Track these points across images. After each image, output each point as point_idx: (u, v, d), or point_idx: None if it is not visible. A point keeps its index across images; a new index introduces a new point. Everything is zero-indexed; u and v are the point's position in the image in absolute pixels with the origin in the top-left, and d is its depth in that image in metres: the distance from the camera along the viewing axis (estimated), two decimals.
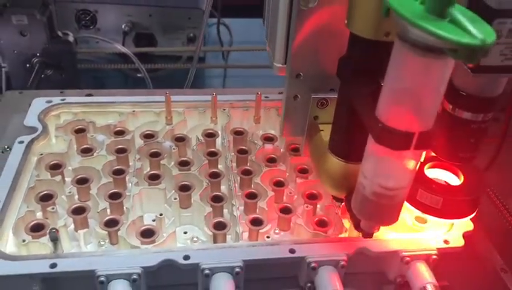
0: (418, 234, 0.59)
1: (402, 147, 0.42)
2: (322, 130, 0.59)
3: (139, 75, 1.24)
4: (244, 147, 0.71)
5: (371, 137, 0.44)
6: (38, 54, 1.08)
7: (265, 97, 0.77)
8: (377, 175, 0.46)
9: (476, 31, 0.33)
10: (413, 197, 0.57)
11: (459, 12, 0.34)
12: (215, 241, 0.59)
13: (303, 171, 0.67)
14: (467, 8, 0.36)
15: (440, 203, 0.56)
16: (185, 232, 0.62)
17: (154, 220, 0.62)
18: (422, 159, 0.59)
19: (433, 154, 0.60)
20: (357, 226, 0.53)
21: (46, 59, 1.08)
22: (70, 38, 1.12)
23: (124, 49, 1.21)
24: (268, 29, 0.64)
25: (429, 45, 0.36)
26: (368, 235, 0.53)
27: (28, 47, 1.06)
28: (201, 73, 1.42)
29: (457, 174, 0.60)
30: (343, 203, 0.58)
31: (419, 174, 0.56)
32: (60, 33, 1.11)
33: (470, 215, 0.58)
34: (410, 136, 0.41)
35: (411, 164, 0.45)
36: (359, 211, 0.51)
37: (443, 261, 0.57)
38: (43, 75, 1.09)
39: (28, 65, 1.09)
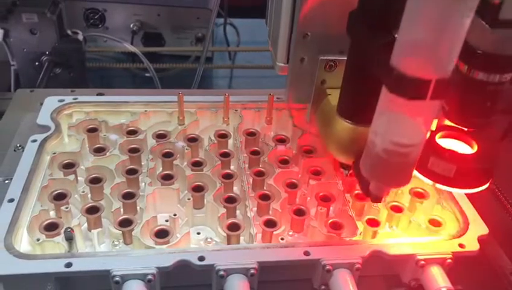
0: (433, 238, 0.59)
1: (418, 96, 0.39)
2: (330, 94, 0.58)
3: (147, 74, 1.23)
4: (256, 148, 0.71)
5: (384, 89, 0.42)
6: (47, 53, 1.08)
7: (277, 98, 0.76)
8: (389, 131, 0.44)
9: None
10: (424, 166, 0.54)
11: None
12: (228, 243, 0.59)
13: (316, 173, 0.67)
14: None
15: (453, 171, 0.53)
16: (198, 233, 0.62)
17: (167, 221, 0.62)
18: (433, 128, 0.57)
19: (445, 122, 0.57)
20: (365, 190, 0.51)
21: (55, 57, 1.08)
22: (80, 37, 1.11)
23: (133, 48, 1.21)
24: (271, 28, 0.64)
25: None
26: (377, 199, 0.51)
27: (38, 45, 1.06)
28: (209, 73, 1.42)
29: (470, 144, 0.57)
30: (350, 171, 0.57)
31: (431, 143, 0.54)
32: (69, 32, 1.11)
33: (483, 185, 0.55)
34: (427, 84, 0.38)
35: (425, 119, 0.43)
36: (369, 171, 0.48)
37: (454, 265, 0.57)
38: (51, 74, 1.09)
39: (37, 63, 1.09)
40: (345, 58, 0.53)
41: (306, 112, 0.71)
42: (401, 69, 0.39)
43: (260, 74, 1.38)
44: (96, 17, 1.30)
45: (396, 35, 0.40)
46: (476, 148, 0.57)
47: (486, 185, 0.55)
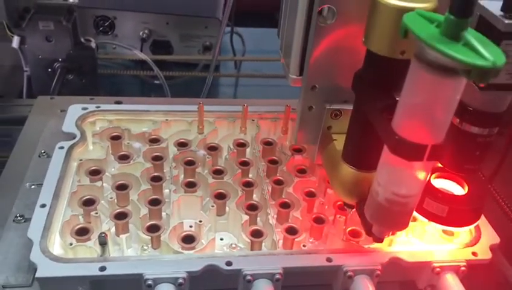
0: (448, 246, 0.61)
1: (416, 158, 0.45)
2: (335, 140, 0.62)
3: (156, 82, 1.26)
4: (274, 157, 0.73)
5: (386, 148, 0.47)
6: (60, 59, 1.10)
7: (293, 109, 0.79)
8: (390, 183, 0.49)
9: (487, 53, 0.36)
10: (420, 206, 0.60)
11: (471, 36, 0.37)
12: (252, 249, 0.61)
13: None
14: (475, 30, 0.39)
15: (445, 211, 0.59)
16: (221, 239, 0.65)
17: (191, 226, 0.64)
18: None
19: (439, 165, 0.63)
20: (368, 231, 0.56)
21: (68, 64, 1.10)
22: (93, 44, 1.14)
23: (143, 56, 1.24)
24: (283, 41, 0.67)
25: (444, 65, 0.39)
26: (379, 240, 0.56)
27: (53, 52, 1.08)
28: (216, 81, 1.44)
29: (461, 185, 0.63)
30: (353, 210, 0.61)
31: (427, 184, 0.58)
32: (82, 39, 1.13)
33: (473, 224, 0.61)
34: (424, 148, 0.44)
35: (422, 174, 0.48)
36: (372, 216, 0.54)
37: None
38: (64, 80, 1.11)
39: (49, 70, 1.11)
40: (350, 107, 0.58)
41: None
42: (402, 134, 0.44)
43: (266, 83, 1.41)
44: (106, 24, 1.32)
45: (396, 98, 0.46)
46: (466, 189, 0.62)
47: (476, 223, 0.62)
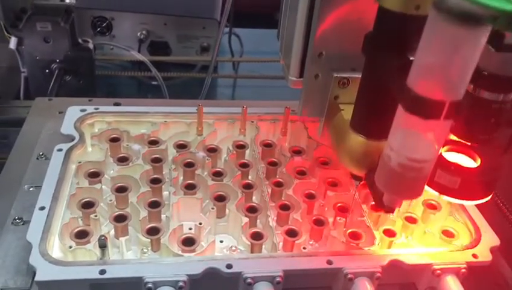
0: (448, 248, 0.61)
1: (433, 116, 0.42)
2: (343, 110, 0.60)
3: (154, 82, 1.26)
4: (274, 159, 0.73)
5: (400, 108, 0.45)
6: (57, 60, 1.10)
7: (292, 111, 0.79)
8: (404, 147, 0.47)
9: None
10: (431, 178, 0.56)
11: None
12: (252, 251, 0.61)
13: (333, 185, 0.70)
14: None
15: (457, 183, 0.56)
16: (221, 241, 0.64)
17: (190, 229, 0.64)
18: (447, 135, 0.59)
19: (451, 137, 0.60)
20: (379, 202, 0.54)
21: (66, 65, 1.10)
22: (90, 45, 1.13)
23: (141, 57, 1.23)
24: (283, 42, 0.66)
25: (467, 13, 0.36)
26: (390, 209, 0.54)
27: (51, 53, 1.07)
28: (213, 82, 1.44)
29: (473, 158, 0.61)
30: (361, 182, 0.60)
31: (438, 157, 0.55)
32: (80, 40, 1.13)
33: (486, 197, 0.58)
34: (441, 106, 0.41)
35: (438, 137, 0.46)
36: (384, 184, 0.51)
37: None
38: (61, 81, 1.11)
39: (47, 71, 1.10)
40: (358, 75, 0.56)
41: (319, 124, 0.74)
42: (418, 91, 0.42)
43: (264, 84, 1.41)
44: (103, 25, 1.32)
45: (411, 58, 0.44)
46: (479, 162, 0.60)
47: (489, 197, 0.59)
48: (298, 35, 0.59)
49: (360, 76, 0.55)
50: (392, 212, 0.55)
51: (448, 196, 0.57)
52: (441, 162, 0.57)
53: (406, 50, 0.48)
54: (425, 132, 0.45)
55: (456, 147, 0.61)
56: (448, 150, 0.61)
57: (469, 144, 0.60)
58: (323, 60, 0.59)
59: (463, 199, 0.58)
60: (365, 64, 0.53)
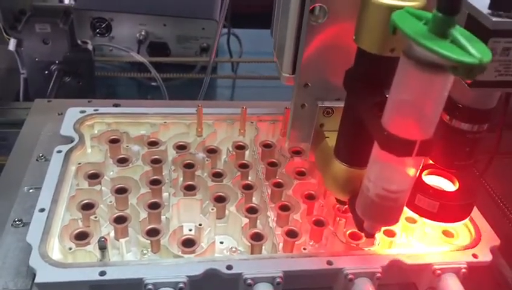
0: (448, 248, 0.61)
1: (405, 154, 0.45)
2: (328, 137, 0.63)
3: (153, 83, 1.26)
4: (274, 160, 0.73)
5: (377, 144, 0.48)
6: (57, 62, 1.10)
7: None
8: (381, 179, 0.50)
9: (474, 50, 0.37)
10: (411, 202, 0.60)
11: (458, 33, 0.38)
12: (252, 252, 0.61)
13: None
14: (464, 28, 0.39)
15: (436, 207, 0.60)
16: (221, 242, 0.64)
17: (190, 230, 0.64)
18: (420, 167, 0.62)
19: (430, 162, 0.63)
20: (360, 227, 0.56)
21: (65, 67, 1.10)
22: (90, 46, 1.13)
23: (140, 58, 1.23)
24: (276, 40, 0.67)
25: (432, 62, 0.40)
26: (370, 235, 0.56)
27: (50, 55, 1.07)
28: (212, 83, 1.44)
29: (452, 181, 0.64)
30: (345, 206, 0.62)
31: (418, 180, 0.60)
32: (79, 41, 1.13)
33: (464, 219, 0.62)
34: (413, 144, 0.44)
35: (412, 170, 0.48)
36: (363, 212, 0.54)
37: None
38: (60, 82, 1.11)
39: (46, 72, 1.10)
40: (342, 105, 0.58)
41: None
42: (391, 130, 0.45)
43: (263, 84, 1.41)
44: (102, 26, 1.32)
45: (387, 95, 0.46)
46: (457, 185, 0.63)
47: (467, 219, 0.63)
48: (290, 33, 0.60)
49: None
50: (372, 237, 0.58)
51: (427, 218, 0.61)
52: (421, 186, 0.61)
53: (382, 88, 0.50)
54: (400, 166, 0.48)
55: (436, 171, 0.64)
56: (428, 174, 0.64)
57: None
58: (309, 90, 0.61)
59: (442, 221, 0.61)
60: (346, 98, 0.56)
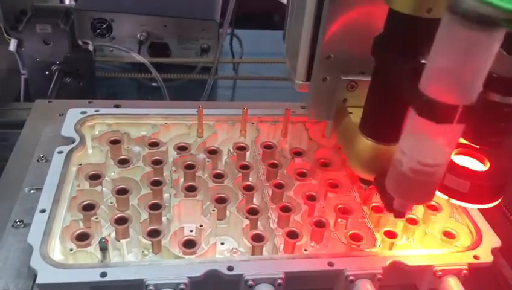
0: (449, 249, 0.61)
1: (446, 120, 0.42)
2: (351, 113, 0.60)
3: (154, 84, 1.26)
4: (274, 161, 0.73)
5: (413, 112, 0.44)
6: (57, 62, 1.10)
7: (292, 112, 0.79)
8: (416, 151, 0.46)
9: None
10: (440, 182, 0.55)
11: None
12: (253, 253, 0.61)
13: (334, 186, 0.70)
14: None
15: (467, 187, 0.56)
16: (222, 243, 0.64)
17: (191, 231, 0.64)
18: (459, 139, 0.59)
19: (460, 140, 0.58)
20: (389, 207, 0.53)
21: (65, 67, 1.10)
22: (90, 47, 1.13)
23: (141, 59, 1.23)
24: (289, 45, 0.65)
25: (481, 16, 0.36)
26: (401, 215, 0.53)
27: (50, 55, 1.07)
28: (214, 84, 1.44)
29: (483, 162, 0.61)
30: (370, 186, 0.59)
31: None
32: (80, 42, 1.13)
33: (495, 201, 0.58)
34: (455, 109, 0.41)
35: (451, 141, 0.45)
36: (395, 189, 0.50)
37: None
38: (61, 83, 1.11)
39: (47, 73, 1.10)
40: (367, 78, 0.55)
41: (320, 125, 0.74)
42: (430, 95, 0.41)
43: (264, 85, 1.41)
44: (103, 27, 1.32)
45: (422, 61, 0.43)
46: (488, 165, 0.60)
47: (498, 201, 0.58)
48: (305, 38, 0.58)
49: (369, 79, 0.55)
50: (403, 217, 0.54)
51: (457, 199, 0.57)
52: (450, 165, 0.56)
53: (417, 53, 0.47)
54: (438, 136, 0.45)
55: (465, 150, 0.61)
56: (457, 153, 0.61)
57: (478, 147, 0.60)
58: (332, 62, 0.58)
59: (472, 203, 0.58)
60: (375, 67, 0.53)
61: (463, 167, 0.58)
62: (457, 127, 0.43)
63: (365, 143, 0.55)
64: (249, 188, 0.69)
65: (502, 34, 0.38)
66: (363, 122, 0.56)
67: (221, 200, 0.66)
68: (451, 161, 0.58)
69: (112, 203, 0.64)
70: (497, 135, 0.57)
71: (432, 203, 0.67)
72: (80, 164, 0.68)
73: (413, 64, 0.46)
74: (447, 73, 0.41)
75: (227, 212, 0.66)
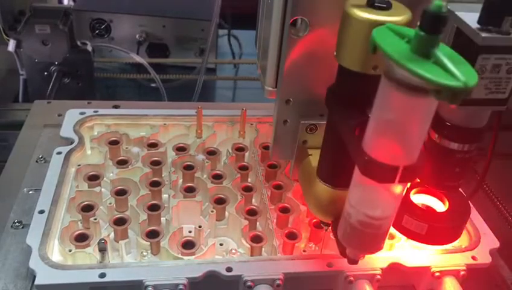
0: (447, 250, 0.61)
1: (387, 180, 0.42)
2: (311, 155, 0.60)
3: (152, 85, 1.26)
4: (274, 162, 0.73)
5: (357, 168, 0.45)
6: (56, 63, 1.10)
7: None
8: (362, 204, 0.47)
9: (459, 73, 0.33)
10: (398, 223, 0.58)
11: (443, 54, 0.35)
12: (252, 254, 0.61)
13: None
14: (453, 44, 0.37)
15: (425, 229, 0.57)
16: (221, 244, 0.64)
17: (190, 232, 0.64)
18: (408, 185, 0.59)
19: (419, 180, 0.60)
20: (342, 253, 0.53)
21: (64, 68, 1.10)
22: (89, 47, 1.13)
23: (139, 59, 1.23)
24: (260, 52, 0.65)
25: (414, 84, 0.36)
26: (353, 261, 0.53)
27: (49, 56, 1.08)
28: (212, 84, 1.44)
29: (442, 200, 0.61)
30: (329, 227, 0.59)
31: (405, 200, 0.57)
32: (78, 42, 1.13)
33: (453, 241, 0.60)
34: (395, 170, 0.41)
35: (396, 195, 0.45)
36: (345, 239, 0.51)
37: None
38: (60, 83, 1.11)
39: (45, 73, 1.10)
40: (325, 122, 0.55)
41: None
42: (371, 155, 0.42)
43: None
44: (102, 27, 1.32)
45: (369, 115, 0.43)
46: (447, 204, 0.60)
47: (457, 241, 0.60)
48: (272, 47, 0.57)
49: None
50: (356, 263, 0.53)
51: (415, 240, 0.58)
52: (408, 206, 0.58)
53: (365, 107, 0.47)
54: (382, 192, 0.45)
55: (425, 189, 0.61)
56: (417, 192, 0.61)
57: None
58: (291, 106, 0.59)
59: (430, 244, 0.59)
60: (328, 117, 0.53)
61: (421, 209, 0.59)
62: (400, 184, 0.43)
63: (322, 188, 0.55)
64: (248, 189, 0.69)
65: (435, 104, 0.38)
66: (320, 167, 0.56)
67: (220, 201, 0.66)
68: (410, 201, 0.59)
69: (110, 204, 0.64)
70: (453, 180, 0.57)
71: None
72: (79, 165, 0.69)
73: (360, 118, 0.46)
74: (386, 135, 0.41)
75: (226, 213, 0.66)
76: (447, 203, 0.60)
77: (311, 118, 0.59)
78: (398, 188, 0.45)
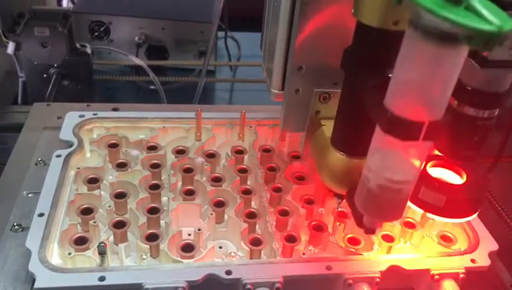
0: (447, 253, 0.61)
1: (411, 138, 0.40)
2: (324, 125, 0.58)
3: (152, 87, 1.26)
4: (273, 164, 0.73)
5: (378, 128, 0.43)
6: (55, 65, 1.10)
7: None
8: (382, 168, 0.45)
9: (492, 17, 0.32)
10: (415, 196, 0.56)
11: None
12: (251, 257, 0.61)
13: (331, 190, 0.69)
14: None
15: (443, 201, 0.55)
16: (221, 247, 0.64)
17: (189, 235, 0.64)
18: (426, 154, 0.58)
19: (436, 152, 0.59)
20: (359, 222, 0.52)
21: (64, 70, 1.10)
22: (88, 50, 1.13)
23: (139, 62, 1.23)
24: (265, 55, 0.65)
25: (443, 32, 0.35)
26: (370, 231, 0.52)
27: (48, 58, 1.07)
28: (211, 86, 1.44)
29: (459, 174, 0.60)
30: (343, 200, 0.58)
31: (422, 173, 0.54)
32: (77, 45, 1.13)
33: (472, 215, 0.58)
34: (420, 126, 0.39)
35: (418, 157, 0.44)
36: (362, 205, 0.49)
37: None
38: (59, 86, 1.11)
39: (45, 75, 1.10)
40: (339, 90, 0.54)
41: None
42: (395, 111, 0.40)
43: (262, 88, 1.40)
44: (101, 29, 1.32)
45: (389, 75, 0.42)
46: (465, 178, 0.59)
47: (475, 215, 0.58)
48: (279, 48, 0.57)
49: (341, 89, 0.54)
50: (373, 233, 0.52)
51: (433, 213, 0.57)
52: (426, 179, 0.56)
53: (384, 67, 0.46)
54: (404, 153, 0.43)
55: (442, 162, 0.60)
56: (433, 166, 0.60)
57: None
58: (304, 74, 0.57)
59: (448, 217, 0.57)
60: (344, 80, 0.52)
61: (439, 181, 0.57)
62: (424, 143, 0.41)
63: (337, 157, 0.54)
64: (247, 192, 0.69)
65: (466, 49, 0.37)
66: (335, 136, 0.55)
67: (219, 204, 0.66)
68: (427, 173, 0.57)
69: (110, 207, 0.64)
70: (471, 149, 0.55)
71: None
72: (78, 168, 0.69)
73: (381, 78, 0.44)
74: (411, 89, 0.40)
75: (226, 216, 0.66)
76: (464, 176, 0.59)
77: (325, 86, 0.57)
78: (420, 150, 0.43)
